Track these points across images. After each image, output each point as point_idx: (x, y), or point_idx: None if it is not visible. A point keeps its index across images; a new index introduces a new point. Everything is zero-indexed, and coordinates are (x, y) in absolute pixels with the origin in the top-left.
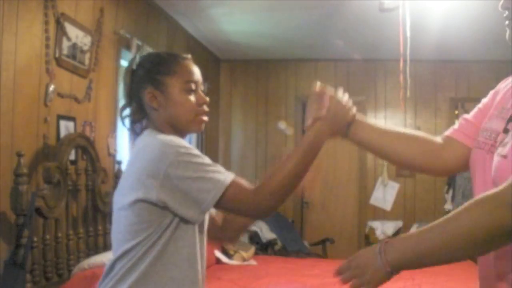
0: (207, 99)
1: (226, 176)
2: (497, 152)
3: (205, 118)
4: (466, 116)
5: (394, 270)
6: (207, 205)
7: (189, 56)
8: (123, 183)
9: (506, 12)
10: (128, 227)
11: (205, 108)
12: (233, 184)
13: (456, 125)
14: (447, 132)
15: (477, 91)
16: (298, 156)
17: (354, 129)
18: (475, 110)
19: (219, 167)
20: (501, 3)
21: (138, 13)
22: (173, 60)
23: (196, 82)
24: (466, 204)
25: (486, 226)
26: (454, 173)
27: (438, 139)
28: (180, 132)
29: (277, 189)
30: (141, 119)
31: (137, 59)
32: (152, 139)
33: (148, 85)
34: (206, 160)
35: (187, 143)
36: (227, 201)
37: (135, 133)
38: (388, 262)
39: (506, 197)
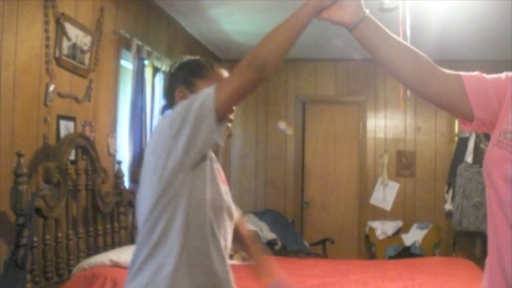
0: (234, 108)
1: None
2: None
3: (229, 125)
4: (484, 76)
5: None
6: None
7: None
8: None
9: None
10: None
11: (231, 116)
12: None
13: (473, 73)
14: (459, 72)
15: None
16: (282, 24)
17: (361, 25)
18: (493, 80)
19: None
20: None
21: (138, 13)
22: (208, 65)
23: None
24: None
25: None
26: (439, 106)
27: (443, 69)
28: None
29: (265, 52)
30: None
31: (177, 64)
32: None
33: (180, 85)
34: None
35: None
36: (224, 93)
37: None
38: None
39: None
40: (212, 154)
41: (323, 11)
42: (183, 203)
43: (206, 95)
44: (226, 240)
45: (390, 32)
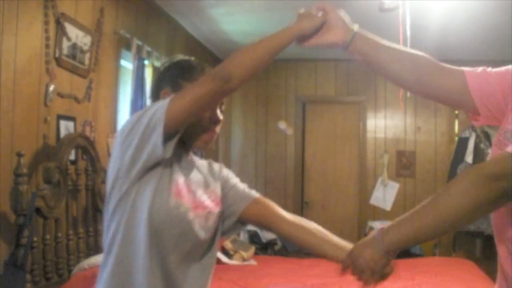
0: (221, 118)
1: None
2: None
3: (213, 137)
4: (489, 72)
5: (393, 253)
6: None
7: None
8: None
9: None
10: None
11: (216, 128)
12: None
13: (477, 69)
14: (463, 68)
15: None
16: (259, 41)
17: (355, 41)
18: (498, 75)
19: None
20: None
21: (138, 13)
22: (199, 68)
23: None
24: (454, 179)
25: (472, 198)
26: (445, 103)
27: (445, 65)
28: (185, 143)
29: (234, 64)
30: None
31: (167, 63)
32: None
33: (167, 86)
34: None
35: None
36: (181, 104)
37: None
38: (387, 248)
39: (488, 170)
40: (175, 163)
41: (312, 39)
42: (126, 214)
43: (159, 106)
44: (184, 259)
45: (382, 40)
